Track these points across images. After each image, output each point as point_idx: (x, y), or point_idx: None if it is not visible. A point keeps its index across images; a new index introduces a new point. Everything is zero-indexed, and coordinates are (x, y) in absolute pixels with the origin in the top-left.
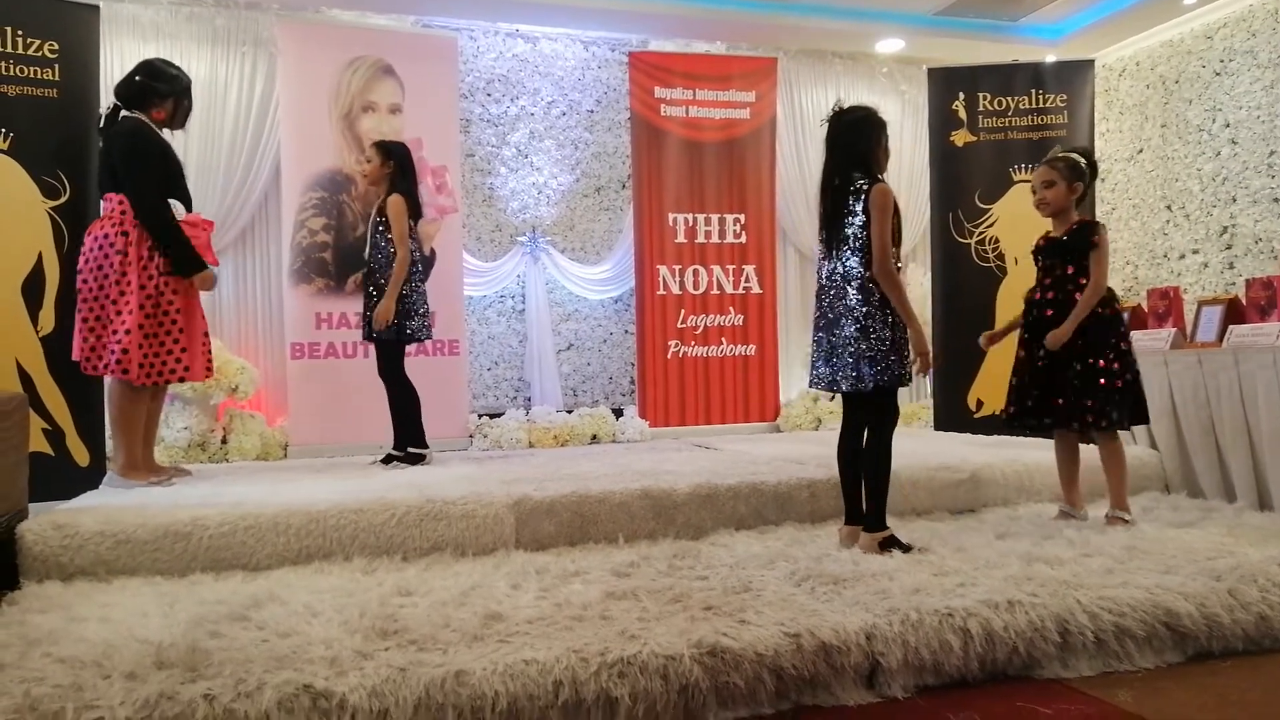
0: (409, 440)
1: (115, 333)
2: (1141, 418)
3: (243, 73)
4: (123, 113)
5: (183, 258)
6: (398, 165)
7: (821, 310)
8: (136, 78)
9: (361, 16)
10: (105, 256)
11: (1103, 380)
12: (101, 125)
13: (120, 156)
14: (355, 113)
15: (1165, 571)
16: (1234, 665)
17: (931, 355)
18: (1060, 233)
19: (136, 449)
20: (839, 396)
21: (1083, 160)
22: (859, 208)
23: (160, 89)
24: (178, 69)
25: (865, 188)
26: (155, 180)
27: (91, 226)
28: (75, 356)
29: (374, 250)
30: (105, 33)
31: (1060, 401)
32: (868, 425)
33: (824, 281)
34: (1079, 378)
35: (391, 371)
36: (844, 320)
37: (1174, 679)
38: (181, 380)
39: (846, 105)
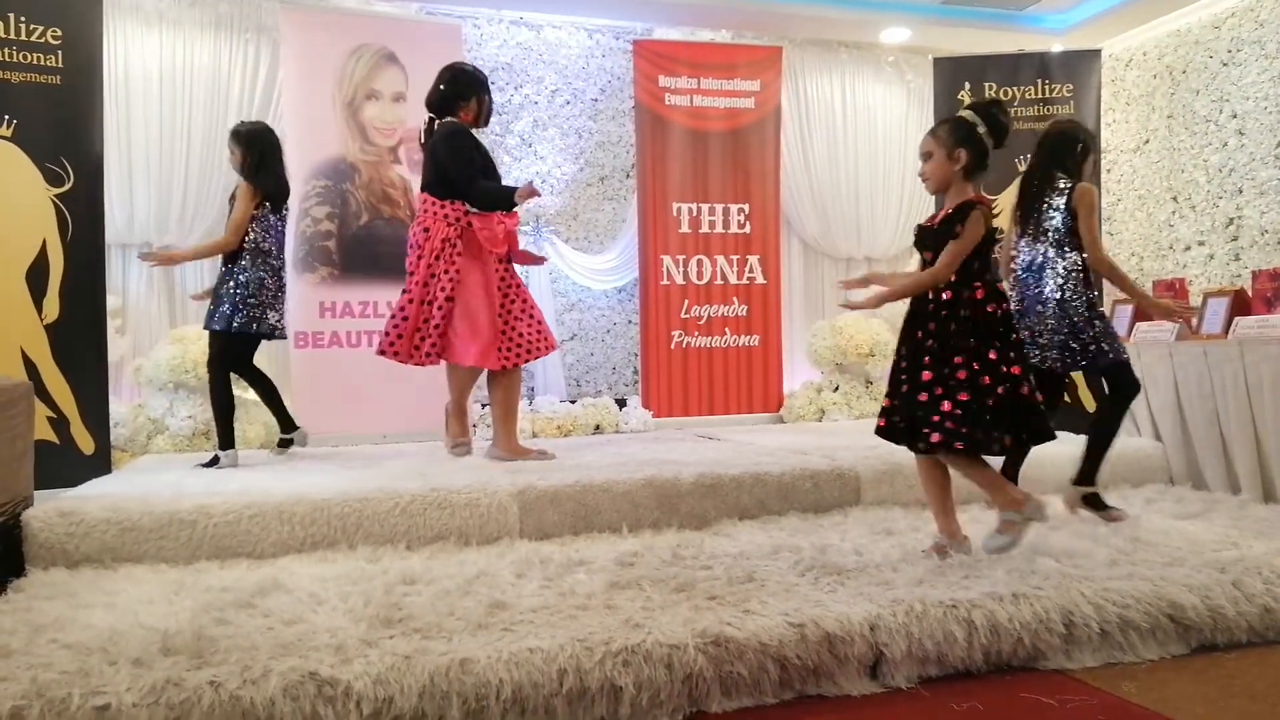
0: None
1: (471, 327)
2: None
3: (246, 60)
4: (437, 121)
5: (503, 200)
6: (246, 150)
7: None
8: (440, 87)
9: (365, 3)
10: (435, 257)
11: (940, 391)
12: (422, 140)
13: (445, 158)
14: (359, 101)
15: (1170, 564)
16: (1238, 657)
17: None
18: (935, 218)
19: (515, 425)
20: (841, 387)
21: (976, 121)
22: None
23: (462, 92)
24: (472, 68)
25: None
26: (477, 170)
27: (419, 225)
28: (428, 353)
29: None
30: (108, 19)
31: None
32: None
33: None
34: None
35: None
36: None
37: (1178, 671)
38: (540, 355)
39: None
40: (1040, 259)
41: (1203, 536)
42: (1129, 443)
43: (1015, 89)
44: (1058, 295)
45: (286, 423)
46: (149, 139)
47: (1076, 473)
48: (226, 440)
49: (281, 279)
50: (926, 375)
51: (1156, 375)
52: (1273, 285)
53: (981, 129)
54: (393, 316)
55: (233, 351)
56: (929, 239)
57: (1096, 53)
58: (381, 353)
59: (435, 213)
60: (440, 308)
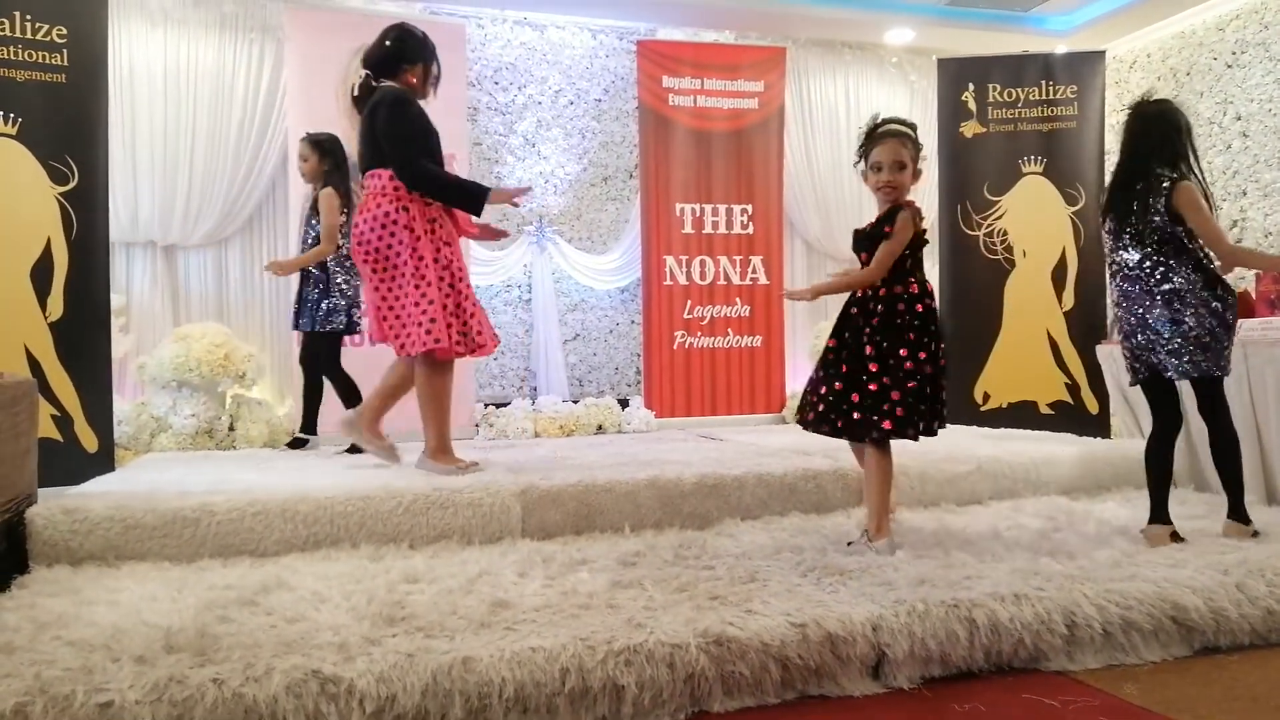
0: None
1: (418, 306)
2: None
3: (250, 59)
4: (376, 82)
5: (466, 195)
6: (331, 160)
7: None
8: (386, 43)
9: (369, 3)
10: (391, 234)
11: (887, 381)
12: (355, 95)
13: (381, 126)
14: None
15: (1172, 565)
16: (1241, 659)
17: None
18: (872, 221)
19: (448, 429)
20: None
21: (914, 134)
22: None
23: (409, 54)
24: (422, 32)
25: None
26: (418, 147)
27: (362, 206)
28: (376, 339)
29: (303, 244)
30: (114, 18)
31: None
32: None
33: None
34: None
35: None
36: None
37: (1180, 672)
38: (475, 353)
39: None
40: (1149, 265)
41: (1205, 538)
42: (1133, 444)
43: (1019, 90)
44: (1171, 307)
45: (310, 424)
46: (153, 138)
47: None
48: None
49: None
50: (874, 367)
51: None
52: (1276, 288)
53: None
54: (419, 307)
55: (336, 348)
56: (864, 241)
57: (1101, 54)
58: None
59: (385, 188)
60: (464, 296)
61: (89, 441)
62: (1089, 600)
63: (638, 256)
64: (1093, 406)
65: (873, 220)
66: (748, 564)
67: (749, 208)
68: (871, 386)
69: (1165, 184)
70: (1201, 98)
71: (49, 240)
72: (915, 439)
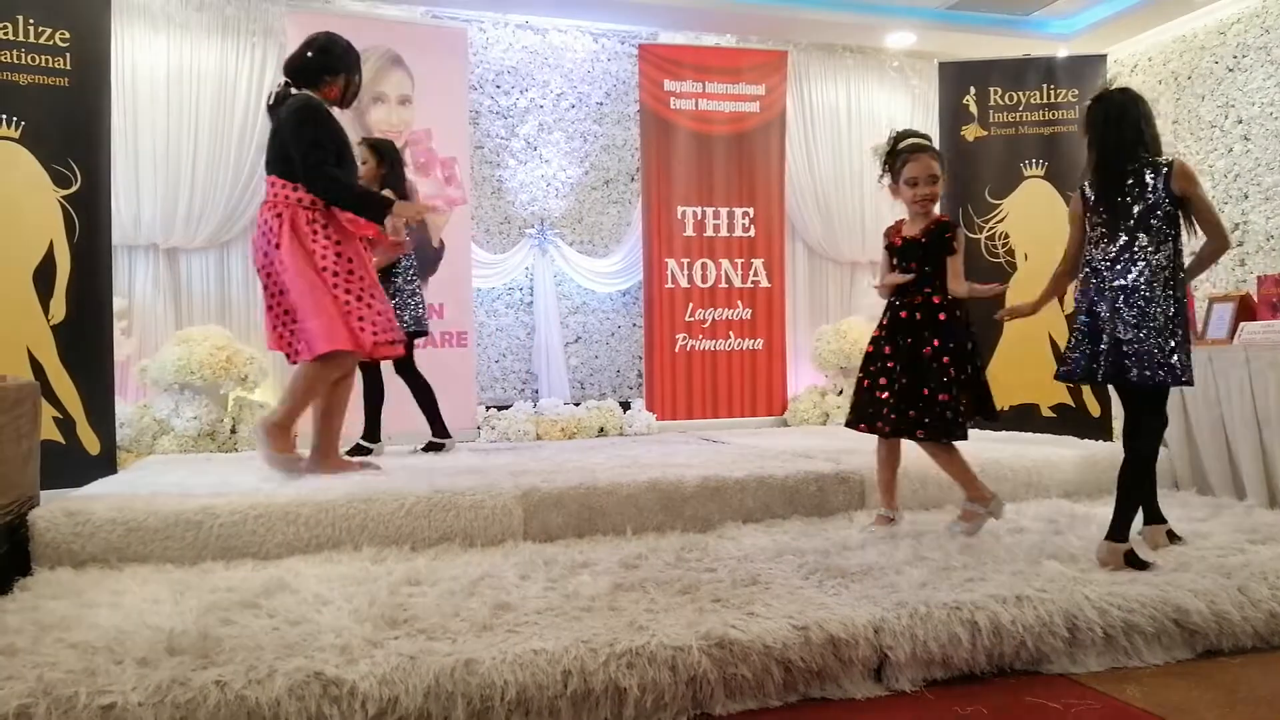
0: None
1: (312, 312)
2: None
3: (253, 63)
4: (294, 90)
5: (369, 205)
6: (388, 163)
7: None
8: (308, 54)
9: (371, 7)
10: (278, 242)
11: (952, 387)
12: (271, 103)
13: (291, 131)
14: (365, 103)
15: (1175, 568)
16: (1243, 663)
17: None
18: (917, 232)
19: (297, 419)
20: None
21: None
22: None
23: (331, 65)
24: (347, 43)
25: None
26: (328, 155)
27: (259, 214)
28: (271, 348)
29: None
30: (116, 22)
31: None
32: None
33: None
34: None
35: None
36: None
37: (1183, 676)
38: (386, 356)
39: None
40: (1124, 253)
41: (1209, 541)
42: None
43: (1020, 94)
44: (1146, 296)
45: (374, 431)
46: (156, 141)
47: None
48: (444, 428)
49: None
50: (951, 373)
51: None
52: (1278, 290)
53: None
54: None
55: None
56: (915, 251)
57: (1102, 58)
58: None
59: (288, 197)
60: (350, 296)
61: (91, 444)
62: (1091, 603)
63: (639, 259)
64: (1094, 409)
65: (917, 231)
66: (749, 566)
67: (750, 211)
68: (942, 396)
69: (1164, 164)
70: (1203, 101)
71: (51, 243)
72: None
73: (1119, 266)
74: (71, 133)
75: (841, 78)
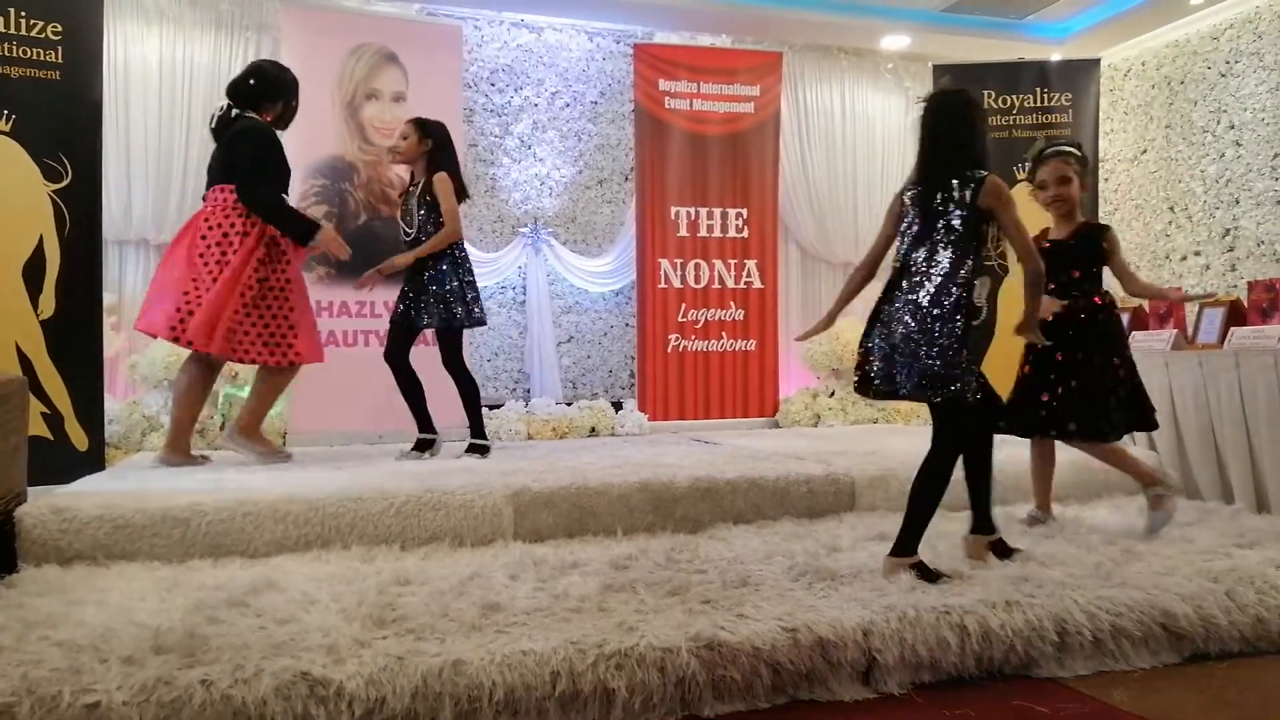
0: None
1: (203, 304)
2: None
3: (246, 58)
4: (236, 112)
5: (298, 228)
6: (436, 143)
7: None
8: (250, 81)
9: (366, 3)
10: (208, 244)
11: (1115, 385)
12: (215, 125)
13: (239, 152)
14: (358, 100)
15: (1163, 573)
16: (1230, 667)
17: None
18: (1065, 235)
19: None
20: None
21: (1082, 154)
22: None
23: (270, 92)
24: (285, 70)
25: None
26: (272, 175)
27: (194, 218)
28: (156, 330)
29: (421, 232)
30: (109, 15)
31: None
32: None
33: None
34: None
35: (456, 361)
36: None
37: (1170, 680)
38: (293, 363)
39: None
40: (928, 261)
41: (1196, 546)
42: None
43: (1014, 97)
44: (945, 307)
45: (426, 423)
46: (148, 136)
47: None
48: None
49: None
50: (1123, 373)
51: (1151, 385)
52: (1268, 296)
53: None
54: (187, 294)
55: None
56: (1063, 255)
57: (1095, 62)
58: (155, 333)
59: (226, 200)
60: (287, 307)
61: (79, 440)
62: (1079, 607)
63: (632, 259)
64: None
65: (1064, 234)
66: (740, 568)
67: (744, 211)
68: (1116, 390)
69: (977, 178)
70: (1195, 106)
71: (41, 237)
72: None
73: (917, 278)
74: (63, 126)
75: (836, 80)
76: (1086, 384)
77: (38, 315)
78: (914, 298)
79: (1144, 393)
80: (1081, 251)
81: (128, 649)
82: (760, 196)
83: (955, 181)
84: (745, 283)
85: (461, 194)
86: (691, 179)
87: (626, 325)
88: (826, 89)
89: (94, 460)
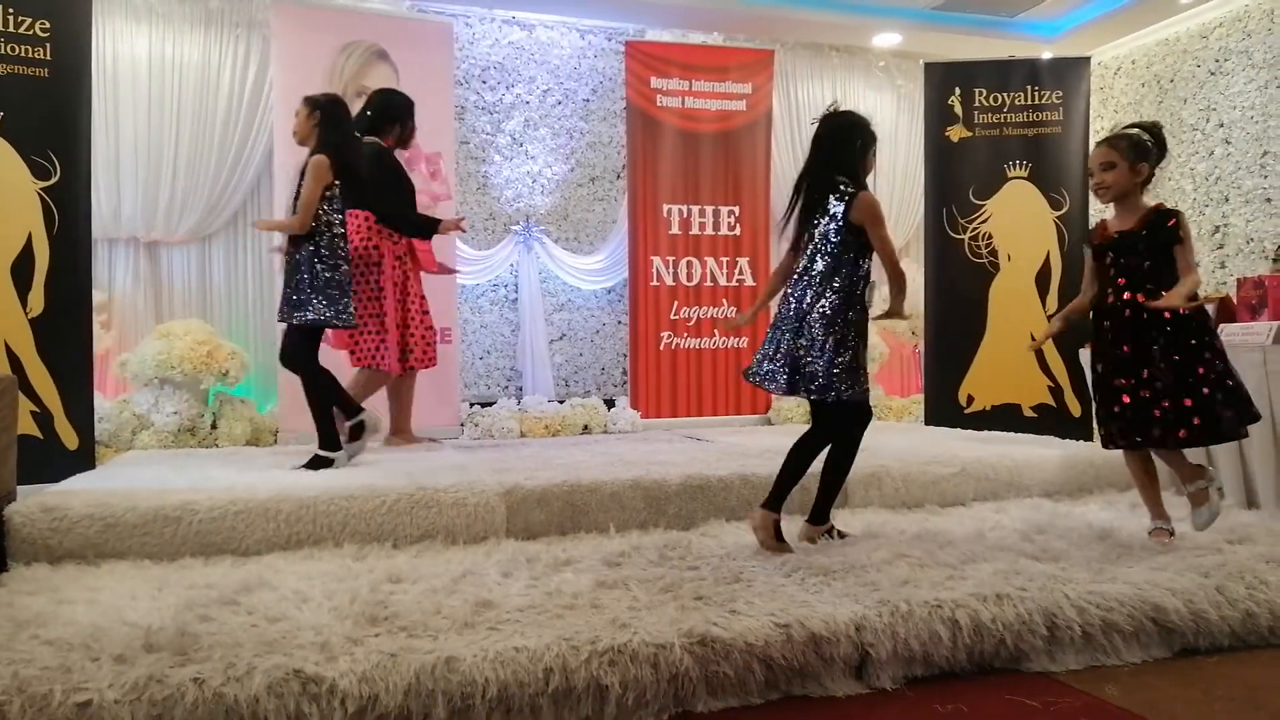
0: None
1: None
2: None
3: (236, 55)
4: (364, 139)
5: (425, 230)
6: (323, 117)
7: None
8: (367, 112)
9: (357, 1)
10: (361, 271)
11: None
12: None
13: (365, 174)
14: (349, 98)
15: (1153, 568)
16: (1220, 661)
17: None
18: (1131, 224)
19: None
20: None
21: (1148, 137)
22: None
23: (386, 116)
24: (395, 95)
25: (850, 192)
26: (395, 192)
27: (367, 243)
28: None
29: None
30: (98, 12)
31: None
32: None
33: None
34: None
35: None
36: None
37: (1161, 674)
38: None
39: (841, 108)
40: (807, 269)
41: (1186, 541)
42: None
43: (1005, 95)
44: (819, 312)
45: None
46: (137, 133)
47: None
48: (334, 439)
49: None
50: (1201, 370)
51: None
52: (1257, 292)
53: (1153, 145)
54: (380, 332)
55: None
56: (1130, 244)
57: (1086, 60)
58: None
59: (378, 228)
60: (422, 319)
61: (69, 439)
62: (1070, 602)
63: (624, 257)
64: (1075, 409)
65: (1130, 223)
66: (732, 564)
67: (736, 209)
68: (1199, 391)
69: (847, 190)
70: (1185, 104)
71: (30, 235)
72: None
73: (802, 284)
74: (51, 124)
75: (828, 77)
76: (1191, 386)
77: (26, 313)
78: (797, 305)
79: (1241, 385)
80: (1150, 241)
81: (119, 647)
82: (752, 194)
83: (833, 197)
84: (737, 280)
85: (350, 173)
86: (683, 176)
87: (619, 323)
88: (818, 87)
89: (84, 459)
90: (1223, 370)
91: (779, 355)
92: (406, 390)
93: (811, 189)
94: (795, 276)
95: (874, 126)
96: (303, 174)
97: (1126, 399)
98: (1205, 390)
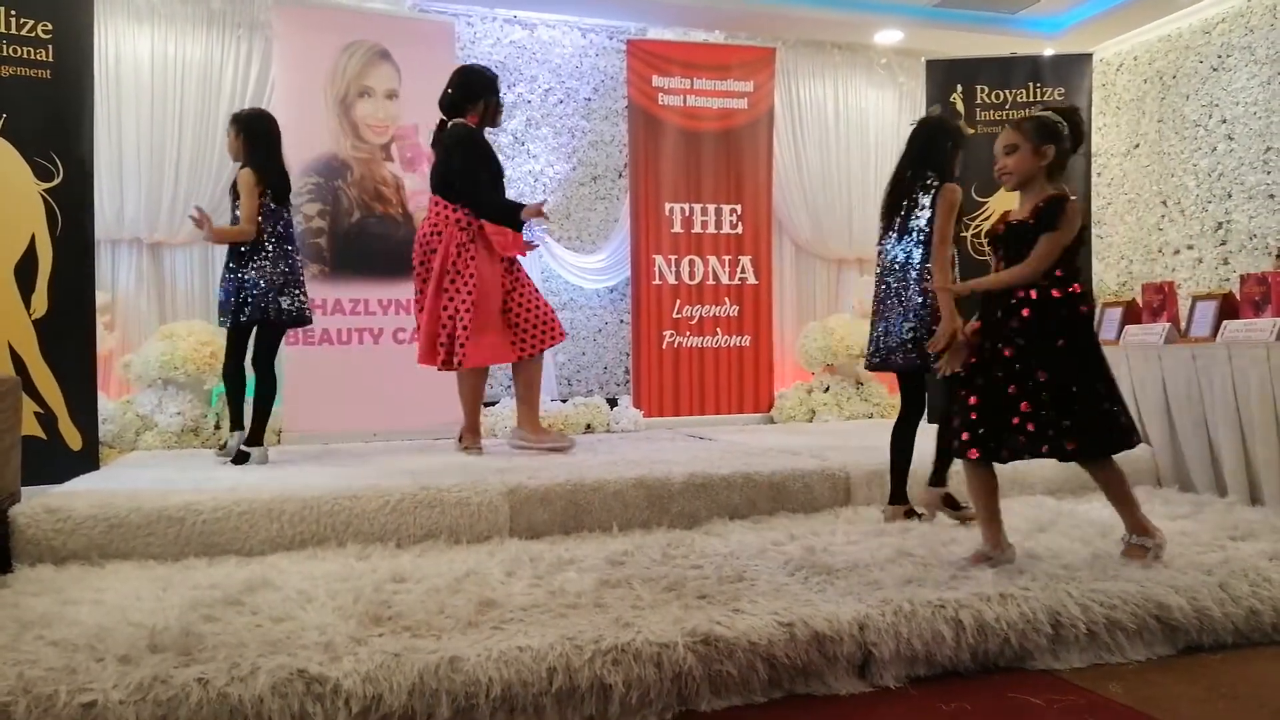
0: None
1: (487, 328)
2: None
3: (238, 56)
4: (448, 123)
5: (514, 219)
6: (246, 135)
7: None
8: (449, 90)
9: (358, 1)
10: (443, 267)
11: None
12: (433, 140)
13: (450, 163)
14: (351, 98)
15: (1157, 565)
16: (1224, 659)
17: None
18: (1025, 214)
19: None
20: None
21: (1059, 120)
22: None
23: (470, 95)
24: (479, 71)
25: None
26: (485, 176)
27: (421, 226)
28: (421, 361)
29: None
30: (100, 13)
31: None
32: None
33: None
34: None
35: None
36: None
37: (1165, 671)
38: (461, 364)
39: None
40: (904, 258)
41: (1190, 538)
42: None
43: (1007, 92)
44: (918, 297)
45: (254, 434)
46: (139, 134)
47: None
48: (252, 435)
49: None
50: (1045, 378)
51: (1144, 378)
52: (1260, 289)
53: (1065, 130)
54: (443, 323)
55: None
56: (1018, 236)
57: (1088, 57)
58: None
59: (447, 216)
60: (466, 313)
61: (73, 440)
62: (1074, 600)
63: (626, 256)
64: None
65: (1024, 213)
66: (735, 563)
67: (738, 208)
68: (1057, 403)
69: (934, 183)
70: (1187, 100)
71: (33, 237)
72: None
73: (898, 272)
74: (54, 125)
75: (829, 75)
76: (1057, 395)
77: (30, 315)
78: (900, 290)
79: (1101, 408)
80: (1036, 232)
81: (123, 648)
82: (754, 192)
83: (920, 192)
84: (740, 279)
85: (276, 184)
86: (685, 175)
87: (621, 322)
88: (820, 84)
89: (88, 460)
90: (1086, 383)
91: (888, 338)
92: (524, 383)
93: (904, 185)
94: (894, 266)
95: (964, 130)
96: (233, 188)
97: (1000, 405)
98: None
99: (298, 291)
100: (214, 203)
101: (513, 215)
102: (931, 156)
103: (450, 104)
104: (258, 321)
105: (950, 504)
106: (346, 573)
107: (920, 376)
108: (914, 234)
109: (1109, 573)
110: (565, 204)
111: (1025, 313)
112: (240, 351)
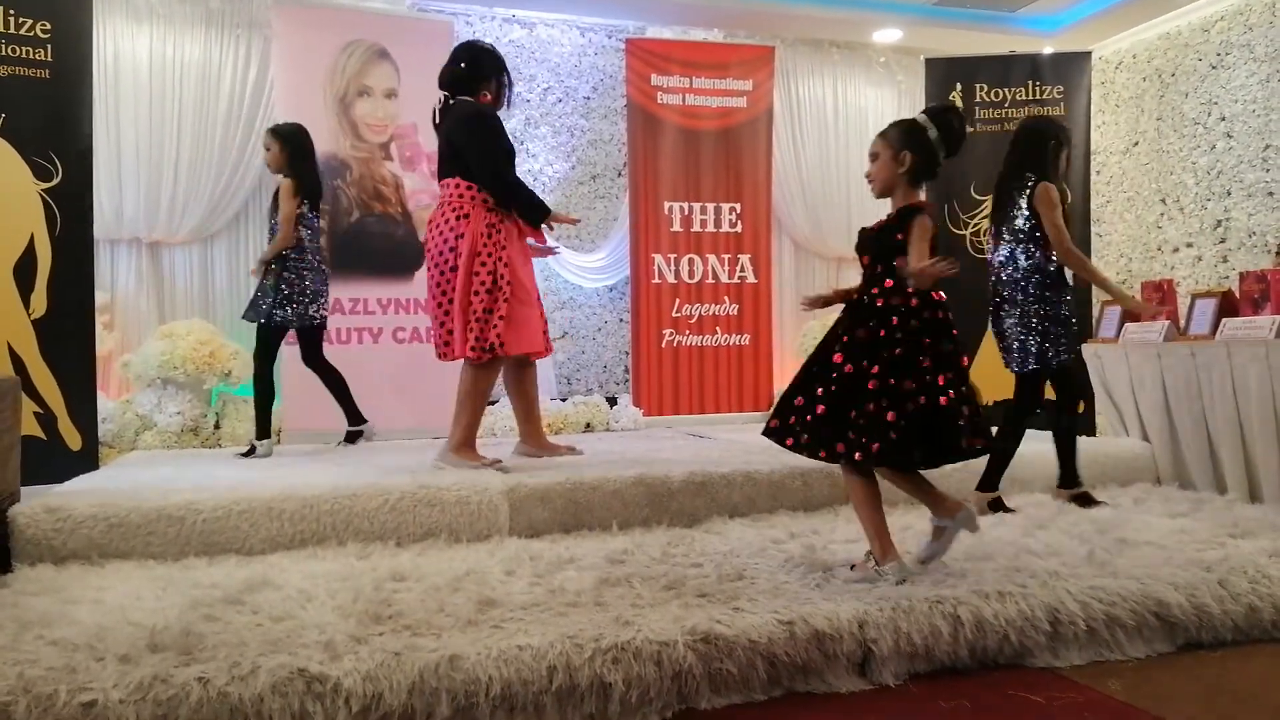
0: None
1: (470, 311)
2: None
3: (237, 55)
4: (459, 99)
5: (533, 213)
6: (289, 148)
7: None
8: (461, 64)
9: (357, 0)
10: (447, 244)
11: (885, 402)
12: (435, 118)
13: (461, 141)
14: (350, 97)
15: (1156, 562)
16: (1223, 655)
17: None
18: (879, 224)
19: (475, 428)
20: None
21: (927, 125)
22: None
23: (483, 71)
24: (488, 46)
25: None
26: (499, 156)
27: (433, 214)
28: (452, 358)
29: (272, 234)
30: (98, 13)
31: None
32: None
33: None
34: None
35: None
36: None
37: (1164, 668)
38: (497, 356)
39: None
40: (1009, 259)
41: (1189, 535)
42: (1117, 443)
43: (1006, 90)
44: (1019, 297)
45: (354, 415)
46: (138, 134)
47: (1059, 477)
48: (359, 414)
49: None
50: (872, 384)
51: (1144, 376)
52: (1260, 287)
53: (933, 134)
54: (436, 318)
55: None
56: (869, 244)
57: (1087, 55)
58: (443, 357)
59: (472, 197)
60: (505, 301)
61: (73, 439)
62: (1072, 597)
63: (626, 254)
64: (1078, 405)
65: (883, 221)
66: (735, 561)
67: (737, 206)
68: (869, 405)
69: (1031, 184)
70: (1186, 98)
71: (32, 237)
72: (914, 466)
73: (1006, 271)
74: (52, 125)
75: (828, 73)
76: (860, 398)
77: (29, 315)
78: (1011, 290)
79: (945, 417)
80: (885, 241)
81: (124, 647)
82: (753, 191)
83: (1016, 192)
84: (739, 277)
85: (312, 192)
86: (684, 174)
87: (620, 320)
88: (819, 83)
89: (87, 459)
90: (915, 391)
91: (1007, 337)
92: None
93: (1003, 188)
94: (1004, 267)
95: (1068, 129)
96: (275, 197)
97: (806, 395)
98: (886, 404)
99: (325, 298)
100: (213, 202)
101: (540, 212)
102: (1029, 157)
103: (457, 80)
104: (294, 325)
105: (997, 507)
106: (346, 572)
107: (1064, 370)
108: (1018, 236)
109: (1108, 570)
110: (564, 203)
111: (895, 321)
112: (272, 355)
